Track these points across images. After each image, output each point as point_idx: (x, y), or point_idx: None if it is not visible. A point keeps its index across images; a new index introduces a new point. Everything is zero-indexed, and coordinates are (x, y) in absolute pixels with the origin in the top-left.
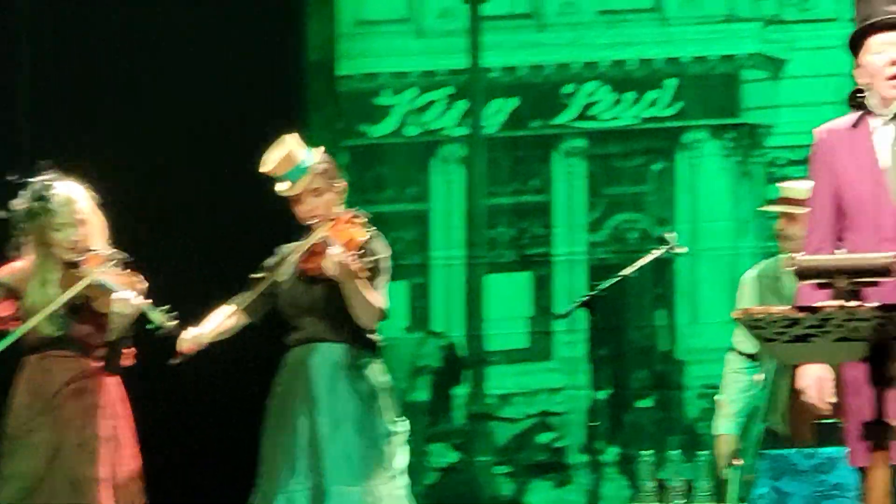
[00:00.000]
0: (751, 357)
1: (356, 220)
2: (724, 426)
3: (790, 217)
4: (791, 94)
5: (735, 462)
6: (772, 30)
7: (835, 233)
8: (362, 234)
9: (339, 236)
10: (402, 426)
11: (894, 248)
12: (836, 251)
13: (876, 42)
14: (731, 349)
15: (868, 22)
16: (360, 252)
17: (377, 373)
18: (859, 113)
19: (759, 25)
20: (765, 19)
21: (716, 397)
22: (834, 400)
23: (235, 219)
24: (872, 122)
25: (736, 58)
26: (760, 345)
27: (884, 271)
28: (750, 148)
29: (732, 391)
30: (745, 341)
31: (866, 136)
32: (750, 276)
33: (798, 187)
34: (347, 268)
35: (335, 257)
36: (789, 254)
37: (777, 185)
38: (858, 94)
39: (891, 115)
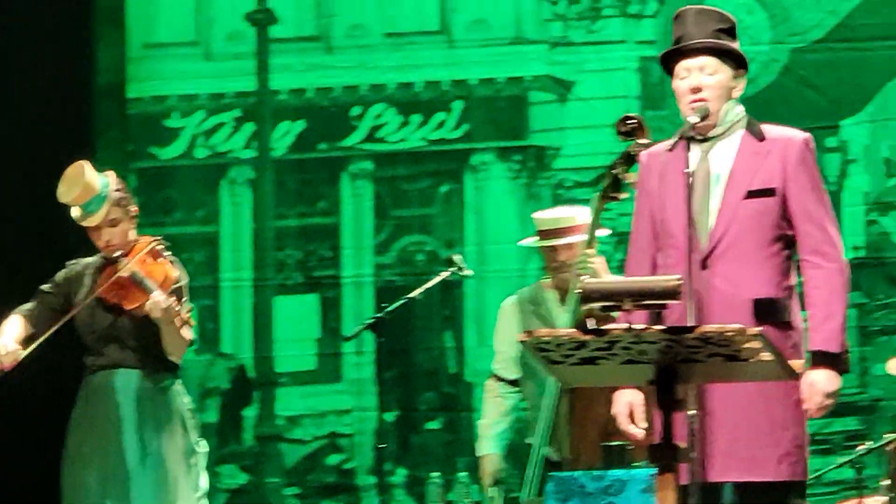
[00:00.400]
0: (511, 383)
1: (159, 252)
2: (486, 447)
3: (553, 247)
4: (578, 116)
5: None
6: (559, 52)
7: (651, 255)
8: (173, 269)
9: (152, 274)
10: (204, 447)
11: (693, 268)
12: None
13: (681, 67)
14: (492, 375)
15: (672, 48)
16: (174, 289)
17: (179, 394)
18: (678, 136)
19: (546, 47)
20: (552, 41)
21: (478, 422)
22: (646, 425)
23: (24, 238)
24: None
25: (523, 80)
26: (546, 367)
27: (671, 293)
28: (537, 170)
29: (493, 415)
30: (507, 368)
31: (680, 159)
32: (510, 302)
33: (551, 216)
34: (172, 313)
35: (161, 304)
36: (550, 278)
37: (533, 216)
38: (628, 121)
39: (677, 137)
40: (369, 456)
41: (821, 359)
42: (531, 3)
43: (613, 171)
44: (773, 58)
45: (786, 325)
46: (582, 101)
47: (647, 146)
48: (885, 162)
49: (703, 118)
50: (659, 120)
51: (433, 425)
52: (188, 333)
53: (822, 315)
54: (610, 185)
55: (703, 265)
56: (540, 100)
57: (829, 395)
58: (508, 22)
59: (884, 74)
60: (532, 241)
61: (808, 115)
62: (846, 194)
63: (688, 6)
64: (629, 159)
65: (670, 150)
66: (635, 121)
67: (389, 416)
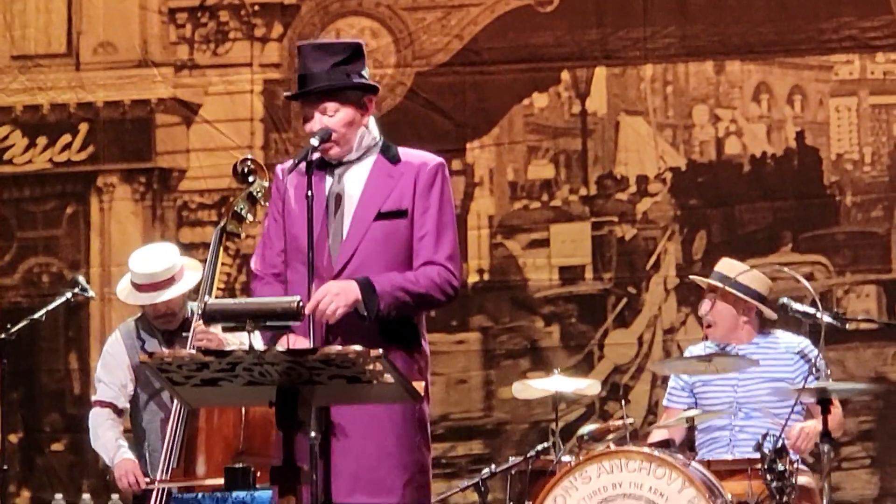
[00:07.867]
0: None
1: None
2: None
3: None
4: (203, 138)
5: None
6: (184, 75)
7: (280, 270)
8: None
9: None
10: None
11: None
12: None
13: (306, 108)
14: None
15: (291, 95)
16: None
17: None
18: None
19: (172, 70)
20: (178, 64)
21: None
22: None
23: None
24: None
25: (149, 102)
26: (168, 388)
27: (292, 314)
28: (162, 192)
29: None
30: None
31: (318, 179)
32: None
33: (147, 271)
34: None
35: None
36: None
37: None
38: (246, 163)
39: (303, 161)
40: None
41: (363, 281)
42: (157, 26)
43: (235, 211)
44: (398, 81)
45: (413, 348)
46: (207, 124)
47: (267, 189)
48: (509, 185)
49: (324, 141)
50: (283, 143)
51: (57, 447)
52: None
53: (399, 276)
54: (232, 223)
55: None
56: (165, 122)
57: (340, 300)
58: (134, 45)
59: (508, 98)
60: (128, 294)
61: (433, 138)
62: (471, 217)
63: (306, 41)
64: (251, 199)
65: (306, 172)
66: (251, 163)
67: (13, 438)
